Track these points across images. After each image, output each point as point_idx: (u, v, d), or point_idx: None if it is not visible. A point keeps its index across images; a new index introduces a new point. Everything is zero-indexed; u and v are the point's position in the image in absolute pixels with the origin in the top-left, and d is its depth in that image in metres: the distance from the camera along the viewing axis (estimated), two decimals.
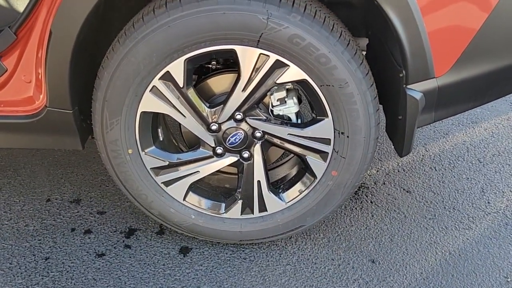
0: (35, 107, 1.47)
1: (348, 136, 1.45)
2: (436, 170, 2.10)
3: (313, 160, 1.52)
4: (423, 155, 2.19)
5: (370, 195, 1.96)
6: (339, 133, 1.45)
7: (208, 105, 1.47)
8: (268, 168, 1.62)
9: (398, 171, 2.10)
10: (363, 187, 1.99)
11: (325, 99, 1.40)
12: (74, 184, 1.98)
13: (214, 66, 1.55)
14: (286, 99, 1.49)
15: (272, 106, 1.50)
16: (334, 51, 1.33)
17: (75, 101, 1.45)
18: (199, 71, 1.63)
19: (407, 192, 1.98)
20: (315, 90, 1.39)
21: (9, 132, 1.51)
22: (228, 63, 1.58)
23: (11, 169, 2.05)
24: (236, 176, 1.64)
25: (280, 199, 1.59)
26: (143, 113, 1.44)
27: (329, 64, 1.34)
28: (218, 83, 1.53)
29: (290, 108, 1.49)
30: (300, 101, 1.56)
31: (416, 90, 1.39)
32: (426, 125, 1.52)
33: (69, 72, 1.37)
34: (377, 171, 2.09)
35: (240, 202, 1.59)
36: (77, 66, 1.38)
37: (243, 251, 1.69)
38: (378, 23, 1.47)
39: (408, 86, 1.39)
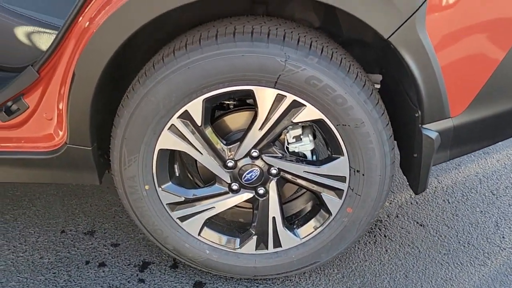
0: (55, 143, 1.50)
1: (363, 174, 1.46)
2: (449, 202, 2.10)
3: (328, 197, 1.52)
4: (435, 187, 2.19)
5: (384, 229, 1.95)
6: (354, 171, 1.46)
7: (224, 142, 1.49)
8: (282, 202, 1.62)
9: (411, 203, 2.10)
10: (376, 220, 1.98)
11: (341, 138, 1.42)
12: (88, 215, 1.99)
13: (231, 103, 1.57)
14: (301, 136, 1.50)
15: (288, 143, 1.51)
16: (350, 92, 1.35)
17: (94, 138, 1.47)
18: (215, 107, 1.65)
19: (421, 225, 1.97)
20: (331, 129, 1.41)
21: (28, 168, 1.53)
22: (244, 99, 1.60)
23: (26, 199, 2.07)
24: (250, 210, 1.64)
25: (295, 235, 1.59)
26: (161, 150, 1.46)
27: (345, 104, 1.36)
28: (235, 120, 1.55)
29: (306, 146, 1.51)
30: (314, 136, 1.58)
31: (431, 130, 1.40)
32: (441, 163, 1.53)
33: (90, 111, 1.40)
34: (390, 203, 2.09)
35: (254, 237, 1.60)
36: (98, 104, 1.41)
37: (257, 286, 1.68)
38: (392, 62, 1.49)
39: (424, 126, 1.40)
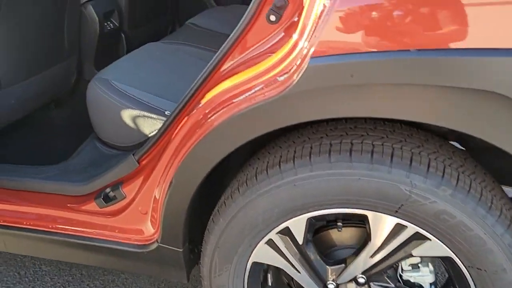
0: (147, 238, 1.43)
1: None
2: None
3: None
4: None
5: None
6: None
7: (327, 262, 1.30)
8: None
9: None
10: None
11: (473, 282, 1.16)
12: None
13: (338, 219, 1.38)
14: (419, 264, 1.27)
15: (402, 271, 1.28)
16: (491, 233, 1.09)
17: (186, 239, 1.38)
18: None
19: None
20: (461, 270, 1.16)
21: (119, 257, 1.49)
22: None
23: None
24: None
25: None
26: (255, 263, 1.32)
27: (483, 246, 1.10)
28: (341, 235, 1.36)
29: (424, 277, 1.26)
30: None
31: None
32: None
33: (186, 216, 1.30)
34: None
35: None
36: (193, 210, 1.32)
37: None
38: None
39: None
